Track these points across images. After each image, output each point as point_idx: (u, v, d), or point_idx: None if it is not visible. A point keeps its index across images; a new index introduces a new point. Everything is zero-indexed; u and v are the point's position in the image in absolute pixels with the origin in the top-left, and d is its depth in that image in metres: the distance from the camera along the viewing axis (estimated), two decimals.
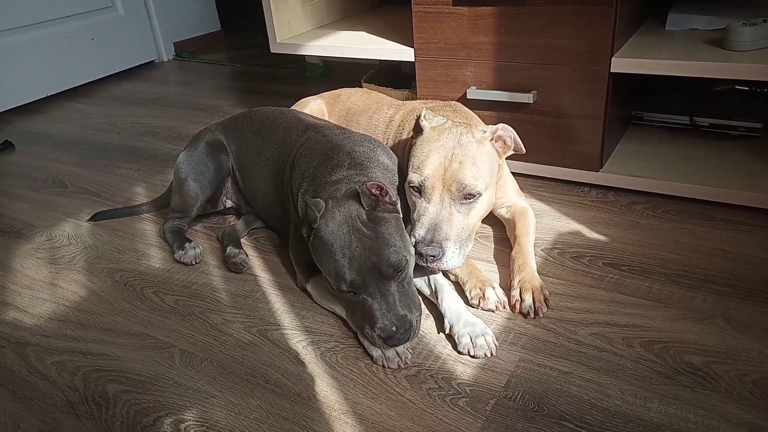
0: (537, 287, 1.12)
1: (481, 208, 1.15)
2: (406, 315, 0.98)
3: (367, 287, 0.98)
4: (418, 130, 1.19)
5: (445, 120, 1.17)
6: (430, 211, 1.09)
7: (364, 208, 1.01)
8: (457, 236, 1.09)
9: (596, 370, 0.97)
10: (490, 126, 1.18)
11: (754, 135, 1.55)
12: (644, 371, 0.96)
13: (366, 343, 1.04)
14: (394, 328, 0.96)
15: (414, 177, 1.11)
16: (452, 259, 1.09)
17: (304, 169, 1.17)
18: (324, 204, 1.02)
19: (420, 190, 1.10)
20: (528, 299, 1.10)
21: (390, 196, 1.04)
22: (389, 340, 0.97)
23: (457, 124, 1.17)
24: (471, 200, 1.11)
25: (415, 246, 1.07)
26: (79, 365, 1.07)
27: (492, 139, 1.16)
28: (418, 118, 1.18)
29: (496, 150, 1.18)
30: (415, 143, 1.15)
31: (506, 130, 1.17)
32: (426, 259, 1.07)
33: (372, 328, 0.98)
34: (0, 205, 1.72)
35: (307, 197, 1.03)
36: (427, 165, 1.10)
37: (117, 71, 3.00)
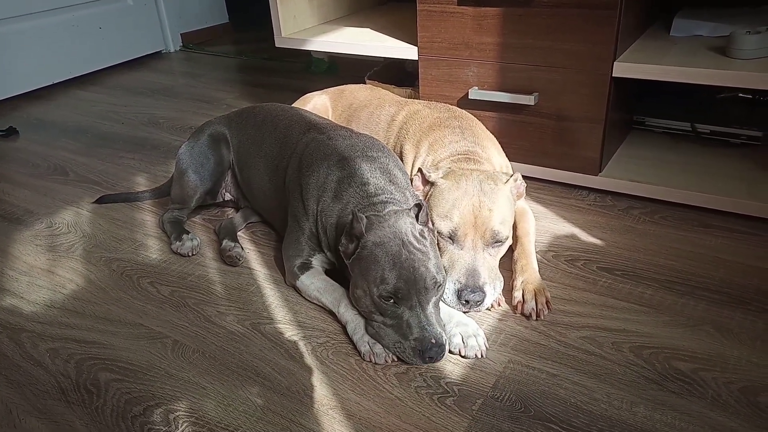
0: (539, 289, 1.12)
1: (505, 248, 1.17)
2: (442, 333, 0.99)
3: (409, 299, 0.98)
4: (428, 182, 1.20)
5: (448, 167, 1.20)
6: (465, 257, 1.10)
7: (417, 224, 1.03)
8: (491, 278, 1.10)
9: (584, 374, 0.97)
10: (506, 174, 1.20)
11: (754, 143, 1.55)
12: (632, 376, 0.96)
13: (355, 339, 1.05)
14: (434, 340, 0.97)
15: (445, 224, 1.11)
16: (489, 300, 1.10)
17: (321, 180, 1.16)
18: (367, 219, 1.03)
19: (452, 237, 1.11)
20: (531, 302, 1.10)
21: (431, 219, 1.06)
22: (425, 353, 0.97)
23: (472, 170, 1.18)
24: (500, 243, 1.13)
25: (458, 294, 1.08)
26: (73, 353, 1.08)
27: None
28: (422, 172, 1.20)
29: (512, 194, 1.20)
30: (433, 193, 1.17)
31: (521, 180, 1.21)
32: (471, 305, 1.08)
33: (407, 340, 0.98)
34: (2, 191, 1.74)
35: (355, 210, 1.04)
36: (456, 213, 1.11)
37: (124, 60, 3.01)
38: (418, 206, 1.05)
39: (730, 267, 1.20)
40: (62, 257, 1.39)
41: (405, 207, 1.09)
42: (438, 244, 1.12)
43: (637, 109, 1.71)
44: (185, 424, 0.92)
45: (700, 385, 0.94)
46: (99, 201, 1.61)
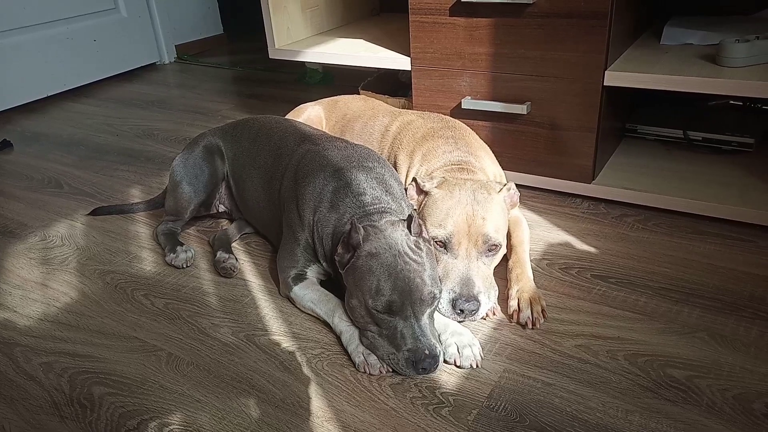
0: (535, 298, 1.12)
1: (499, 258, 1.17)
2: (436, 345, 0.99)
3: (403, 310, 0.98)
4: (422, 191, 1.20)
5: (442, 177, 1.21)
6: (459, 266, 1.10)
7: (411, 235, 1.04)
8: (485, 287, 1.10)
9: (579, 382, 0.97)
10: (499, 183, 1.21)
11: (746, 150, 1.56)
12: (627, 384, 0.96)
13: (350, 350, 1.04)
14: (427, 351, 0.96)
15: (439, 232, 1.12)
16: (483, 310, 1.10)
17: (318, 190, 1.16)
18: (364, 229, 1.04)
19: (445, 245, 1.12)
20: (526, 310, 1.10)
21: (425, 228, 1.07)
22: (418, 364, 0.96)
23: (465, 179, 1.19)
24: (493, 252, 1.13)
25: (452, 303, 1.08)
26: (66, 367, 1.08)
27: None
28: (416, 182, 1.21)
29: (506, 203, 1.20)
30: (427, 203, 1.18)
31: (514, 190, 1.21)
32: (466, 314, 1.08)
33: (401, 351, 0.98)
34: None
35: (354, 219, 1.05)
36: (450, 222, 1.11)
37: (118, 72, 3.02)
38: (410, 217, 1.06)
39: (724, 274, 1.21)
40: (56, 270, 1.38)
41: (401, 217, 1.09)
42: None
43: (630, 117, 1.72)
44: None
45: (695, 392, 0.94)
46: (93, 213, 1.61)
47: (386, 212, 1.10)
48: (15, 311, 1.25)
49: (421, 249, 1.03)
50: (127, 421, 0.96)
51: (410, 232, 1.05)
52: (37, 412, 0.99)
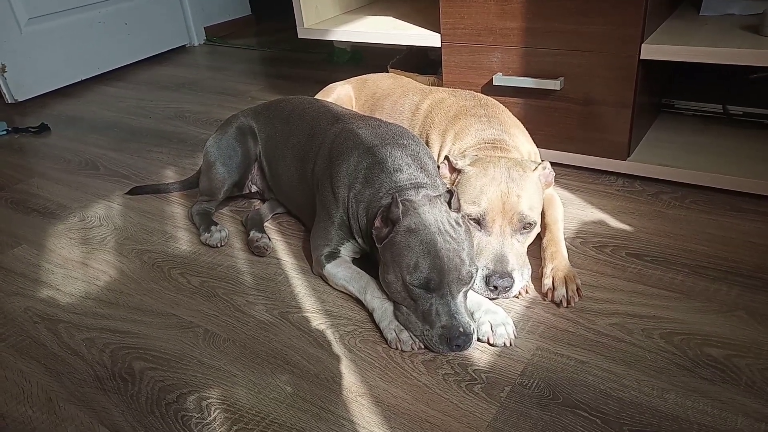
0: (570, 276, 1.11)
1: (533, 235, 1.16)
2: (470, 323, 0.99)
3: (441, 288, 0.98)
4: (455, 170, 1.20)
5: (475, 155, 1.20)
6: (493, 243, 1.10)
7: (451, 211, 1.04)
8: (519, 265, 1.10)
9: (614, 361, 0.96)
10: (534, 162, 1.20)
11: None
12: (663, 363, 0.95)
13: (382, 327, 1.05)
14: (461, 329, 0.97)
15: (473, 209, 1.11)
16: (517, 287, 1.10)
17: (352, 167, 1.17)
18: (402, 204, 1.04)
19: (479, 222, 1.11)
20: (561, 289, 1.10)
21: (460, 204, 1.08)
22: (452, 341, 0.97)
23: (500, 157, 1.18)
24: (528, 230, 1.13)
25: (486, 279, 1.08)
26: (108, 342, 1.11)
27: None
28: (448, 160, 1.20)
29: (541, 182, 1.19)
30: (461, 180, 1.17)
31: (549, 169, 1.20)
32: (499, 291, 1.08)
33: (435, 328, 0.98)
34: (36, 186, 1.78)
35: (395, 194, 1.05)
36: (484, 199, 1.11)
37: (149, 55, 3.05)
38: (450, 193, 1.05)
39: (764, 251, 1.18)
40: (95, 250, 1.42)
41: (437, 193, 1.09)
42: None
43: (666, 92, 1.67)
44: (217, 411, 0.94)
45: (734, 371, 0.92)
46: (131, 192, 1.65)
47: (422, 187, 1.09)
48: (58, 289, 1.29)
49: (460, 226, 1.03)
50: (167, 394, 0.98)
51: (450, 207, 1.04)
52: (81, 385, 1.02)
